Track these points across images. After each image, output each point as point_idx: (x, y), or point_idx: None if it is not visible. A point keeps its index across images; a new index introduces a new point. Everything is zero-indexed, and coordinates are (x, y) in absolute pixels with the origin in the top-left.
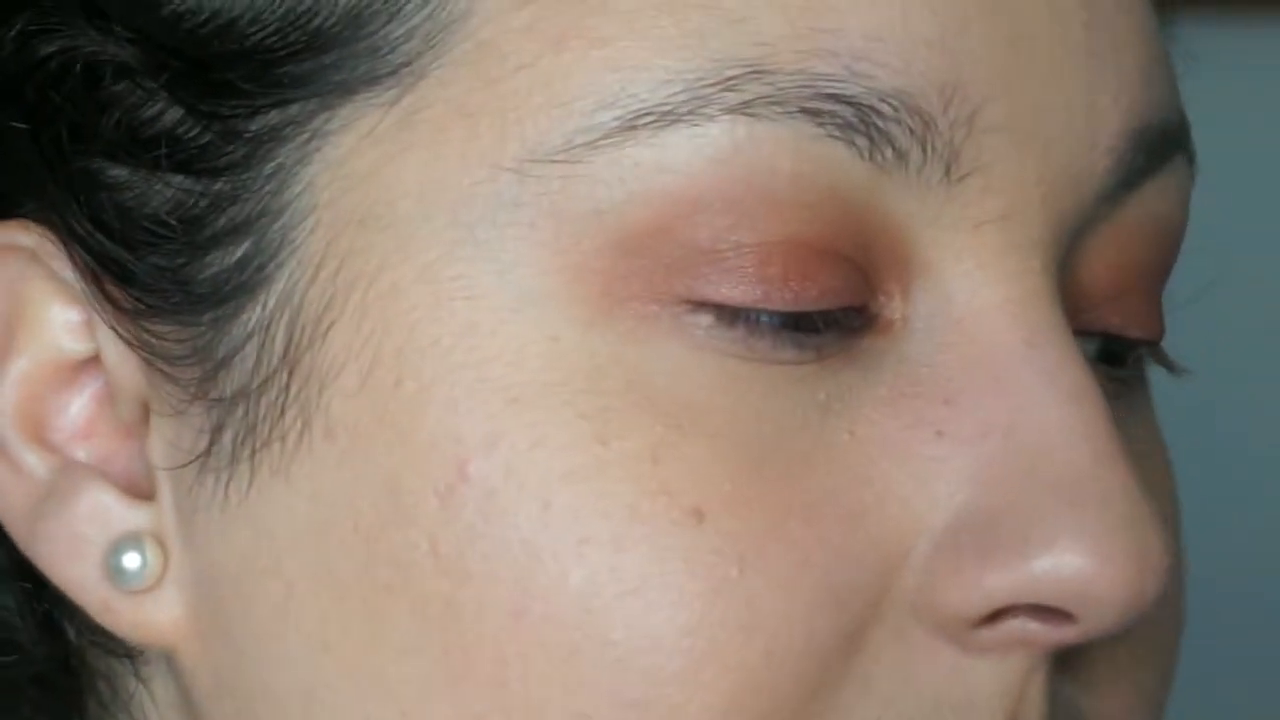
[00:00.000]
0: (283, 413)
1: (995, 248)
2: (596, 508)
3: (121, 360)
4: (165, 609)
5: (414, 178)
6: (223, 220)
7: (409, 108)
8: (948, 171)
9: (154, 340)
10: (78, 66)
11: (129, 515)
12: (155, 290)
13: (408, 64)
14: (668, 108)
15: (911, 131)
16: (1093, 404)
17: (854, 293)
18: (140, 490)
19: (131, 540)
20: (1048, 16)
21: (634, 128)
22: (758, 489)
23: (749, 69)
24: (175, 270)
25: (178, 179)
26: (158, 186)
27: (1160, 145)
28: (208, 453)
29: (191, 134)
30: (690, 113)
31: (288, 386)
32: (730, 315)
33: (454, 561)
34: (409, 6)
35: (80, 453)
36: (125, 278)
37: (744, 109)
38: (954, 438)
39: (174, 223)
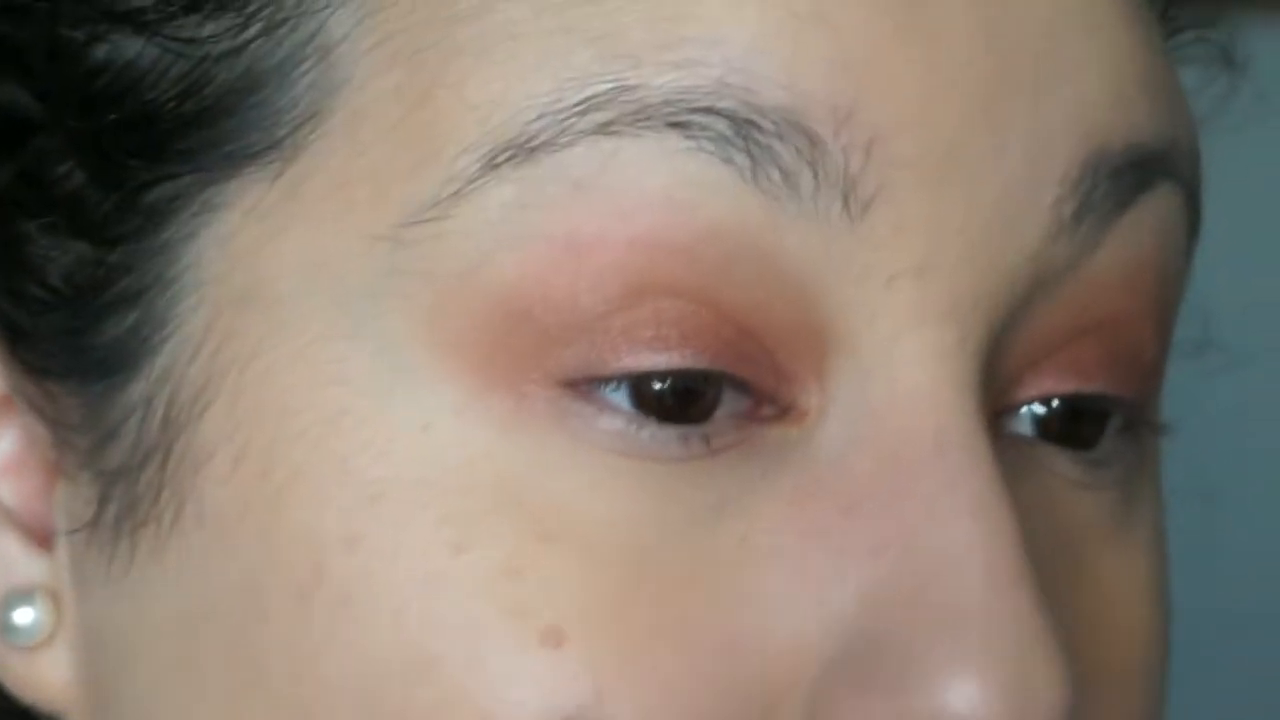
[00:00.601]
0: (159, 493)
1: (911, 311)
2: (449, 624)
3: (30, 411)
4: (57, 669)
5: (294, 255)
6: (115, 290)
7: (291, 182)
8: (846, 202)
9: (52, 402)
10: None
11: (28, 567)
12: (52, 353)
13: (290, 136)
14: (526, 138)
15: (799, 152)
16: (995, 518)
17: (754, 368)
18: (45, 539)
19: (25, 594)
20: (983, 45)
21: (495, 165)
22: (627, 608)
23: (613, 85)
24: (70, 335)
25: (78, 244)
26: (60, 248)
27: (1134, 172)
28: (94, 524)
29: (94, 199)
30: (550, 140)
31: (164, 466)
32: (604, 401)
33: (307, 668)
34: (295, 74)
35: (2, 489)
36: (23, 335)
37: (607, 128)
38: (851, 552)
39: (70, 287)
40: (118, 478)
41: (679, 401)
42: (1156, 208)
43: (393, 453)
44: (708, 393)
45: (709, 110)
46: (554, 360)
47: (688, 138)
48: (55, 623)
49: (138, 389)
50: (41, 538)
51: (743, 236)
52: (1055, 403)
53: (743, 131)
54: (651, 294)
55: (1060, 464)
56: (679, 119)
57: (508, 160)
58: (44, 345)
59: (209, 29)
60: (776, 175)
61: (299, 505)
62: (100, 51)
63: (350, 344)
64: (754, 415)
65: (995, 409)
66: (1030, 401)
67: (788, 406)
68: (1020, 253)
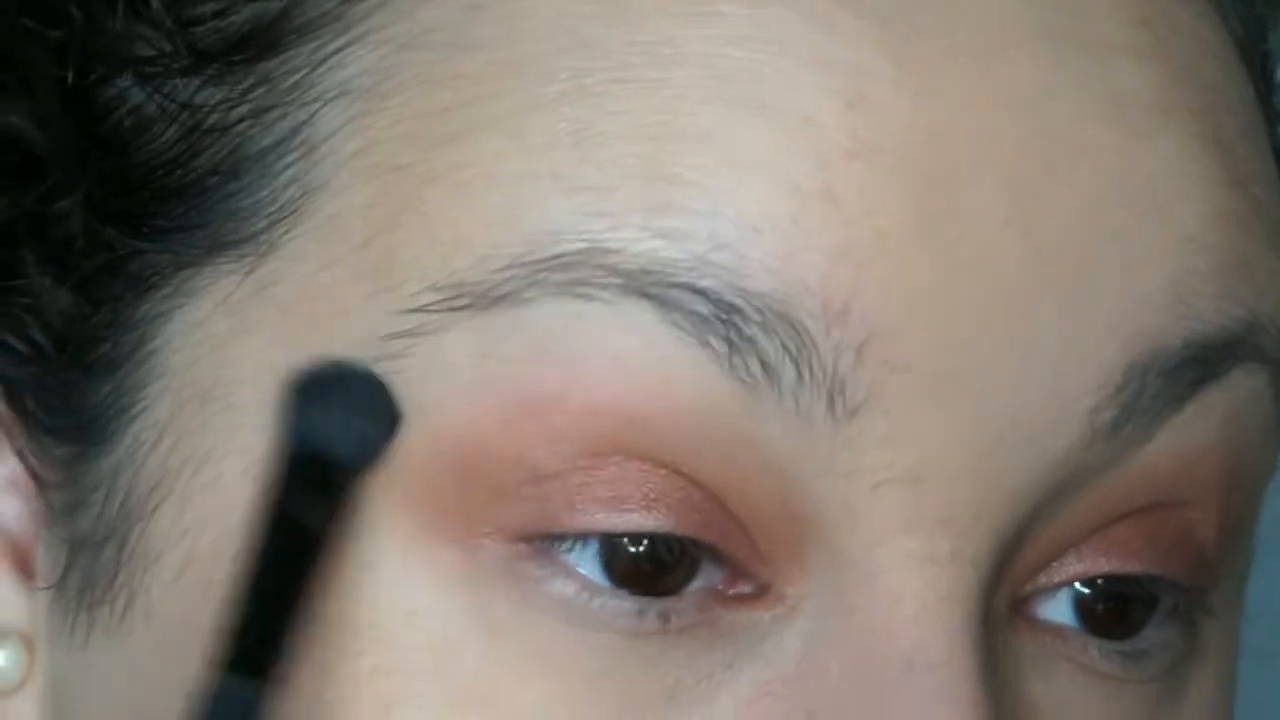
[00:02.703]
0: (115, 577)
1: (897, 519)
2: None
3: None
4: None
5: (254, 361)
6: (96, 355)
7: (261, 280)
8: (831, 403)
9: (38, 450)
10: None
11: (12, 608)
12: (39, 402)
13: (266, 231)
14: (489, 286)
15: (784, 346)
16: None
17: (728, 540)
18: (31, 575)
19: (2, 636)
20: (1017, 235)
21: (455, 309)
22: None
23: (587, 244)
24: (54, 390)
25: (65, 294)
26: (51, 292)
27: (1195, 368)
28: (60, 586)
29: (85, 251)
30: (515, 293)
31: (120, 551)
32: (559, 563)
33: None
34: (278, 165)
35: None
36: (14, 381)
37: (576, 289)
38: None
39: (56, 339)
40: (82, 548)
41: (649, 569)
42: (1228, 394)
43: (335, 593)
44: (679, 564)
45: (689, 288)
46: (507, 515)
47: (663, 313)
48: (27, 670)
49: (107, 463)
50: (30, 571)
51: (717, 419)
52: (1100, 582)
53: (724, 315)
54: (613, 457)
55: (1091, 655)
56: (655, 292)
57: (468, 307)
58: (32, 393)
59: (204, 97)
60: (757, 367)
61: None
62: (106, 94)
63: None
64: (726, 594)
65: (1017, 597)
66: (1067, 583)
67: (765, 587)
68: (1039, 466)
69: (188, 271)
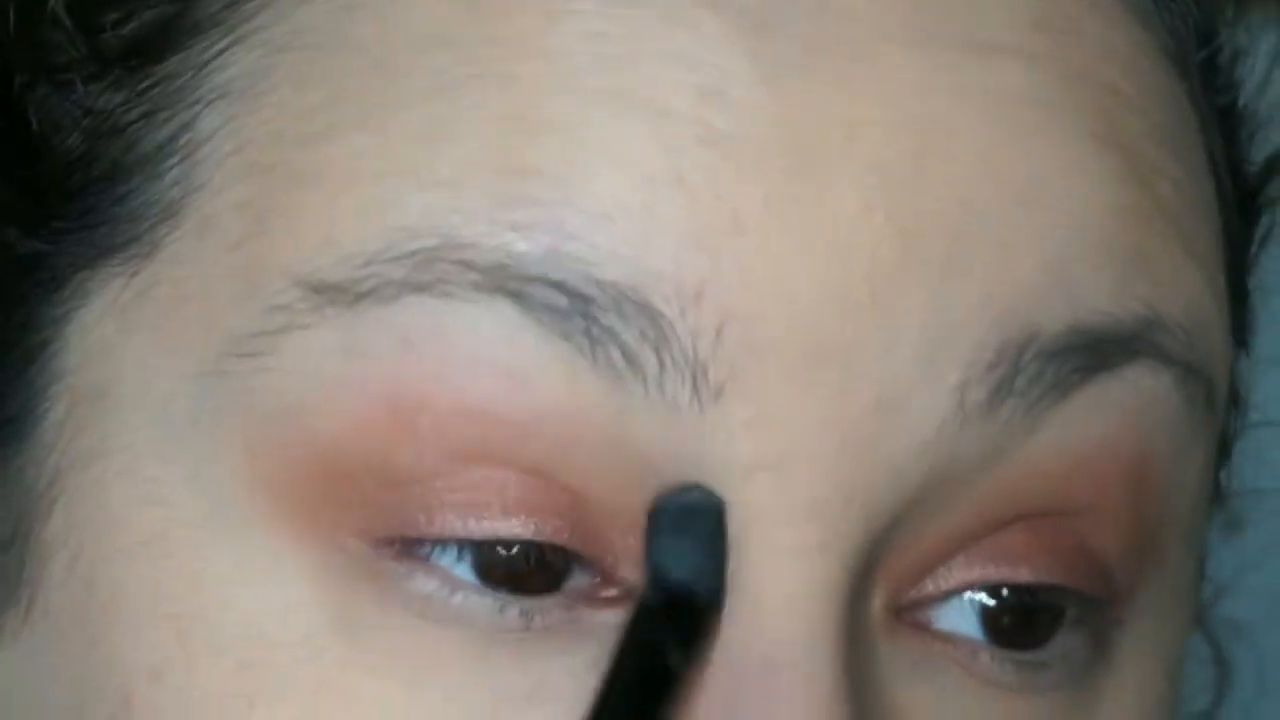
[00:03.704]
0: (20, 577)
1: (767, 509)
2: None
3: None
4: None
5: (136, 362)
6: (7, 358)
7: (144, 282)
8: (695, 388)
9: None
10: None
11: None
12: None
13: (149, 233)
14: (351, 283)
15: (642, 333)
16: None
17: (592, 545)
18: None
19: None
20: (882, 216)
21: (319, 308)
22: None
23: (441, 239)
24: None
25: None
26: None
27: (1080, 355)
28: None
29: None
30: (374, 290)
31: (24, 552)
32: (419, 560)
33: None
34: (164, 167)
35: None
36: None
37: (435, 286)
38: None
39: None
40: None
41: (514, 573)
42: (1128, 389)
43: (203, 588)
44: (540, 570)
45: (543, 280)
46: (369, 517)
47: (521, 307)
48: None
49: (15, 465)
50: None
51: (582, 418)
52: (1005, 593)
53: (580, 307)
54: (476, 462)
55: (983, 663)
56: (512, 287)
57: (332, 304)
58: None
59: (105, 101)
60: (618, 357)
61: (116, 627)
62: (26, 99)
63: (171, 467)
64: (593, 596)
65: (901, 602)
66: (958, 590)
67: (631, 590)
68: (910, 445)
69: (84, 274)
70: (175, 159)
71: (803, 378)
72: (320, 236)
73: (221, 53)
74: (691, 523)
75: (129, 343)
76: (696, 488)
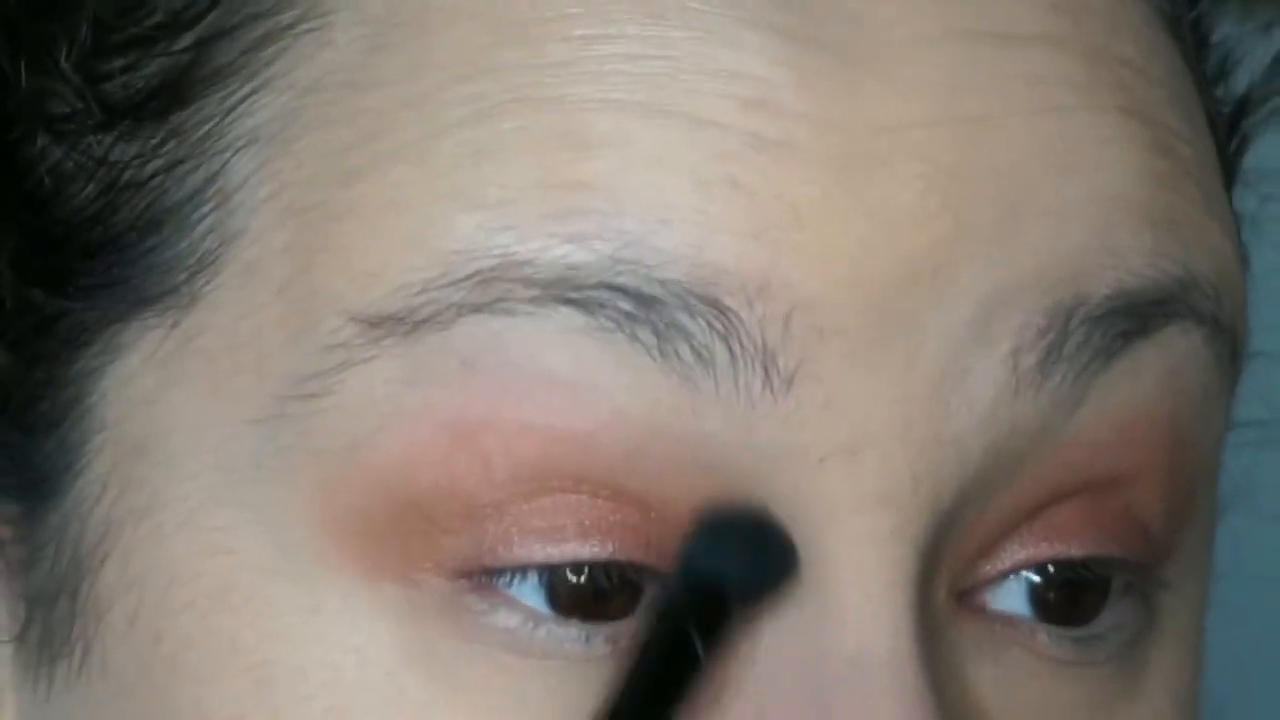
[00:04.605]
0: (70, 631)
1: (841, 496)
2: None
3: None
4: None
5: (185, 412)
6: (36, 411)
7: (186, 332)
8: (767, 376)
9: None
10: None
11: None
12: None
13: (187, 284)
14: (408, 312)
15: (710, 326)
16: None
17: (667, 559)
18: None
19: None
20: (937, 199)
21: (377, 340)
22: None
23: (499, 258)
24: (5, 445)
25: (1, 356)
26: None
27: (1124, 319)
28: (21, 640)
29: (14, 309)
30: (433, 316)
31: (73, 605)
32: (501, 595)
33: None
34: (194, 217)
35: None
36: None
37: (496, 305)
38: None
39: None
40: (39, 602)
41: (593, 597)
42: (1162, 352)
43: (279, 634)
44: (621, 589)
45: (606, 286)
46: (444, 549)
47: (586, 315)
48: None
49: (56, 518)
50: None
51: (651, 420)
52: (1051, 569)
53: (645, 308)
54: (545, 485)
55: (1039, 642)
56: (574, 296)
57: (389, 335)
58: None
59: (119, 152)
60: (688, 352)
61: (189, 680)
62: (25, 152)
63: (235, 515)
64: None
65: (960, 587)
66: (1013, 570)
67: None
68: (969, 419)
69: (115, 327)
70: (206, 208)
71: (869, 359)
72: (369, 270)
73: (245, 99)
74: (729, 521)
75: (174, 394)
76: (743, 503)
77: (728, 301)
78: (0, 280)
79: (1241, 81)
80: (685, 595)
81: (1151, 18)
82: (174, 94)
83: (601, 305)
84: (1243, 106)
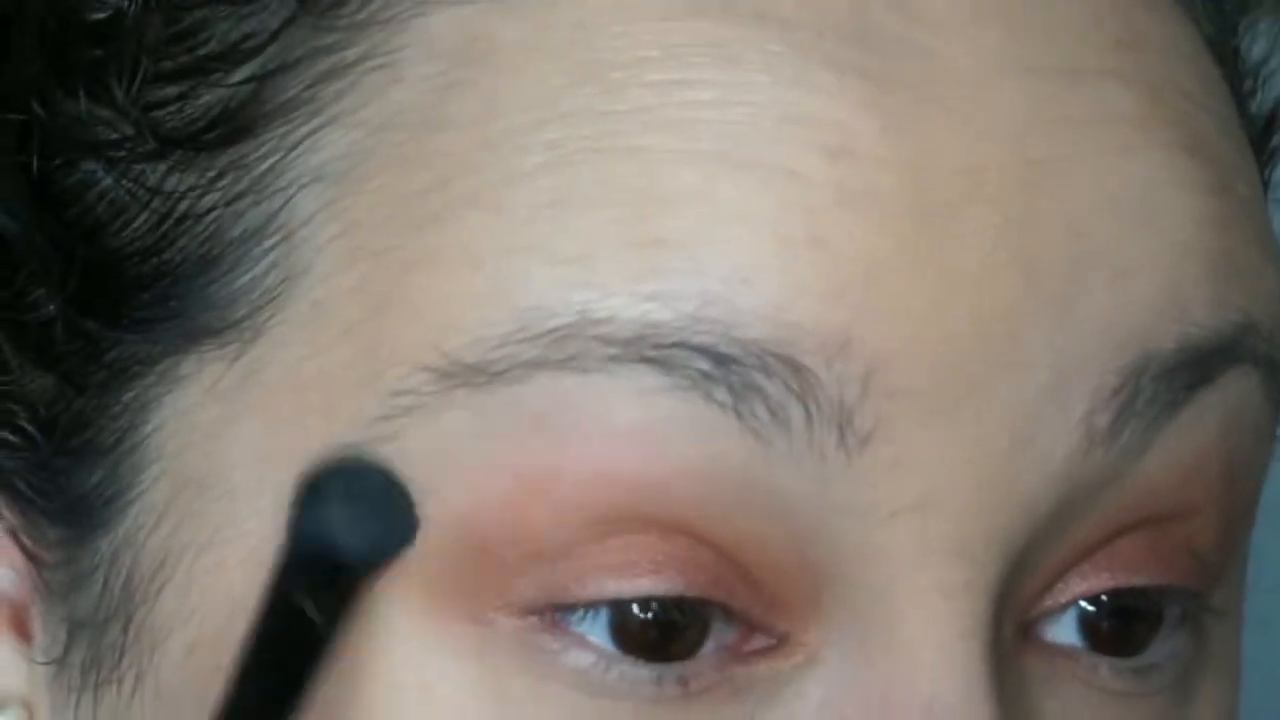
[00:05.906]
0: (121, 658)
1: (912, 552)
2: None
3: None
4: None
5: (247, 447)
6: (81, 440)
7: (248, 366)
8: (842, 435)
9: (31, 531)
10: None
11: (13, 674)
12: (32, 486)
13: (249, 319)
14: (483, 365)
15: (787, 386)
16: None
17: (740, 597)
18: (28, 638)
19: (3, 704)
20: (1006, 255)
21: (448, 391)
22: None
23: (577, 316)
24: (46, 473)
25: (46, 378)
26: (36, 384)
27: (1190, 371)
28: (62, 663)
29: (61, 338)
30: (508, 371)
31: (126, 632)
32: (572, 635)
33: None
34: (256, 251)
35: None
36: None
37: (571, 363)
38: None
39: (40, 422)
40: (84, 628)
41: (661, 635)
42: (1223, 396)
43: (345, 672)
44: (691, 626)
45: (684, 345)
46: (515, 590)
47: (662, 373)
48: None
49: (106, 545)
50: (26, 635)
51: (724, 474)
52: (1104, 598)
53: (724, 367)
54: (617, 527)
55: (1101, 675)
56: (652, 355)
57: (462, 386)
58: (23, 479)
59: (173, 182)
60: (763, 411)
61: None
62: (71, 179)
63: None
64: (741, 650)
65: (1024, 622)
66: (1072, 602)
67: (783, 637)
68: (1042, 478)
69: (172, 359)
70: (270, 243)
71: (943, 420)
72: (444, 321)
73: (311, 134)
74: (348, 486)
75: (235, 429)
76: (354, 457)
77: (805, 360)
78: (49, 309)
79: (1269, 98)
80: (294, 562)
81: (1203, 46)
82: (233, 126)
83: (679, 364)
84: (1270, 125)
